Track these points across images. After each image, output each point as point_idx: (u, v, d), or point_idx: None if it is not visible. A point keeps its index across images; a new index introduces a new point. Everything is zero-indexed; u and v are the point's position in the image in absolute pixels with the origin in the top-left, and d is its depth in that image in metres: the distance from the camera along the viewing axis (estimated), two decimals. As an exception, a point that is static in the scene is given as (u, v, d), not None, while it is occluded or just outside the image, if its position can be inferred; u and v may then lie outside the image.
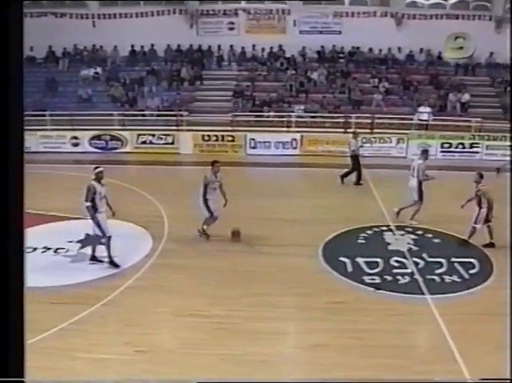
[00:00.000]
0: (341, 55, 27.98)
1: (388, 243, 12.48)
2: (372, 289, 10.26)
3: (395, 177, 18.20)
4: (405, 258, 11.71)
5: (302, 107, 24.60)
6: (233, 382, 7.46)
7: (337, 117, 23.05)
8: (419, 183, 13.82)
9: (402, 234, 13.01)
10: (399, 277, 10.80)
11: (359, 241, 12.50)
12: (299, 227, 12.67)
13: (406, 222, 13.75)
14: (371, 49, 27.64)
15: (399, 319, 9.33)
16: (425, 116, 22.71)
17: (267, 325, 8.91)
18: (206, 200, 12.18)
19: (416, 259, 11.57)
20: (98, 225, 10.76)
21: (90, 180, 10.87)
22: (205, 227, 12.38)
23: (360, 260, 11.44)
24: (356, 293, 10.23)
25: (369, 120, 22.19)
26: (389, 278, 10.76)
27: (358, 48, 27.72)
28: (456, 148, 21.20)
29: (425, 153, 14.36)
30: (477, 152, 21.62)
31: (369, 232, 13.07)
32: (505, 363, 7.65)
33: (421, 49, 27.31)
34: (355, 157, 17.62)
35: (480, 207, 12.22)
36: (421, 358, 8.32)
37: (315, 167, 19.46)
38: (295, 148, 21.66)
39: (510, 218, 11.61)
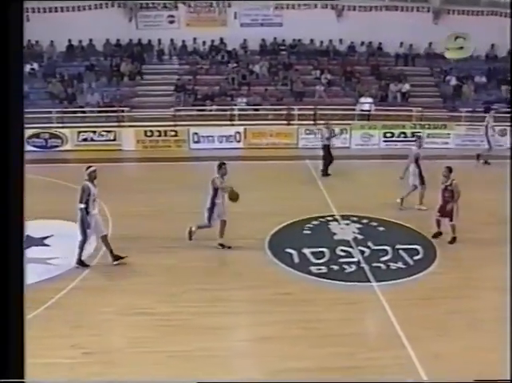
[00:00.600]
0: (283, 47, 28.12)
1: (334, 233, 12.65)
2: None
3: (340, 167, 18.50)
4: (351, 247, 11.91)
5: (245, 100, 24.61)
6: (234, 382, 7.43)
7: (280, 109, 23.18)
8: (419, 169, 14.33)
9: (347, 224, 13.20)
10: (345, 266, 10.98)
11: (305, 232, 12.61)
12: (244, 220, 12.66)
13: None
14: (312, 41, 27.89)
15: (347, 308, 9.48)
16: (367, 107, 23.12)
17: (215, 319, 8.91)
18: (213, 205, 11.54)
19: (362, 248, 11.78)
20: (84, 227, 10.55)
21: (83, 180, 10.65)
22: (194, 228, 11.87)
23: (306, 251, 11.56)
24: (304, 283, 10.34)
25: (312, 112, 22.39)
26: (336, 267, 10.92)
27: (299, 40, 27.92)
28: (398, 137, 21.66)
29: (419, 139, 15.31)
30: (418, 141, 22.16)
31: (315, 223, 13.20)
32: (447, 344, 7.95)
33: (362, 42, 27.73)
34: (326, 147, 17.73)
35: (446, 201, 12.15)
36: (369, 345, 8.48)
37: (259, 160, 19.50)
38: (239, 142, 21.68)
39: (510, 216, 11.87)
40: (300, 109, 22.85)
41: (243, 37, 27.95)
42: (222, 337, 8.52)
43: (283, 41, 28.07)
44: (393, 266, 11.12)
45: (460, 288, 10.29)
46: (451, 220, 12.15)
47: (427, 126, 22.42)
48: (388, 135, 21.67)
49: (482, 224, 13.42)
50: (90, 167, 10.86)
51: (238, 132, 21.88)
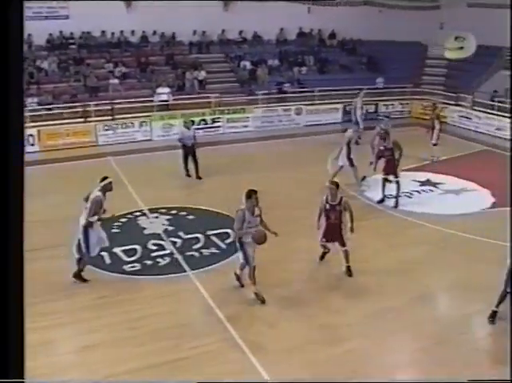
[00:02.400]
0: (72, 41, 27.06)
1: (144, 228, 12.62)
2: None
3: (143, 161, 18.45)
4: (162, 239, 11.99)
5: (36, 99, 23.30)
6: (238, 382, 7.38)
7: (75, 107, 22.35)
8: (349, 151, 15.07)
9: (156, 217, 13.24)
10: (159, 259, 11.03)
11: (113, 231, 12.35)
12: (44, 228, 12.00)
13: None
14: (103, 33, 27.21)
15: (166, 301, 9.57)
16: (165, 97, 23.17)
17: (35, 336, 8.40)
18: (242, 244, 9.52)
19: (173, 239, 11.91)
20: (88, 242, 9.95)
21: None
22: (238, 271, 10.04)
23: (117, 250, 11.38)
24: (119, 284, 10.20)
25: (109, 107, 21.94)
26: (149, 262, 10.93)
27: (89, 32, 27.05)
28: (199, 124, 22.02)
29: (356, 125, 16.31)
30: (219, 127, 22.84)
31: (123, 220, 13.02)
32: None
33: (154, 31, 27.68)
34: (192, 147, 16.72)
35: (333, 224, 10.42)
36: (193, 334, 8.65)
37: (58, 162, 18.64)
38: (33, 145, 20.46)
39: (510, 210, 12.43)
40: (96, 105, 22.22)
41: (27, 32, 26.33)
42: (44, 353, 8.05)
43: (71, 34, 26.99)
44: (206, 252, 11.43)
45: (274, 264, 10.82)
46: (344, 245, 10.38)
47: (226, 111, 23.16)
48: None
49: (294, 200, 14.34)
50: (106, 177, 10.20)
51: (31, 135, 20.61)
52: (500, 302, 8.89)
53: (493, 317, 8.94)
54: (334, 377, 7.61)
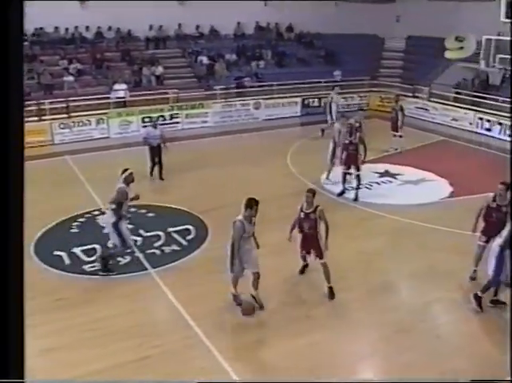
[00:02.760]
0: (24, 37, 26.48)
1: (103, 227, 12.45)
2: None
3: (101, 159, 18.26)
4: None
5: (-12, 99, 22.82)
6: (234, 382, 7.35)
7: (29, 105, 21.91)
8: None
9: (116, 215, 13.10)
10: (119, 258, 10.92)
11: (72, 231, 12.24)
12: None
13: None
14: (57, 29, 26.72)
15: (128, 300, 9.51)
16: (121, 93, 22.91)
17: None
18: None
19: (134, 237, 11.79)
20: (122, 236, 10.30)
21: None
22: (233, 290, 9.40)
23: (76, 250, 11.26)
24: (80, 285, 10.09)
25: (64, 105, 21.59)
26: (110, 261, 10.79)
27: (41, 28, 26.53)
28: (157, 121, 21.76)
29: (344, 117, 16.02)
30: (178, 122, 22.72)
31: (82, 220, 12.88)
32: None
33: (109, 27, 27.34)
34: (158, 147, 16.07)
35: (309, 235, 9.82)
36: (156, 332, 8.62)
37: (13, 162, 18.31)
38: (-14, 145, 20.12)
39: (511, 212, 12.45)
40: (51, 103, 21.83)
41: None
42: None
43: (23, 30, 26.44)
44: (167, 249, 11.40)
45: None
46: (321, 257, 9.66)
47: (184, 107, 23.06)
48: (147, 119, 21.77)
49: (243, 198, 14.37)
50: (127, 169, 10.56)
51: (-16, 136, 20.24)
52: (487, 288, 9.04)
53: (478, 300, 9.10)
54: (298, 370, 7.70)
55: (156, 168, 16.03)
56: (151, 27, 27.70)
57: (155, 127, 16.30)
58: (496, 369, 7.60)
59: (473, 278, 10.12)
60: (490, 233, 9.73)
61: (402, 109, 19.25)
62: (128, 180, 10.50)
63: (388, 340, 8.35)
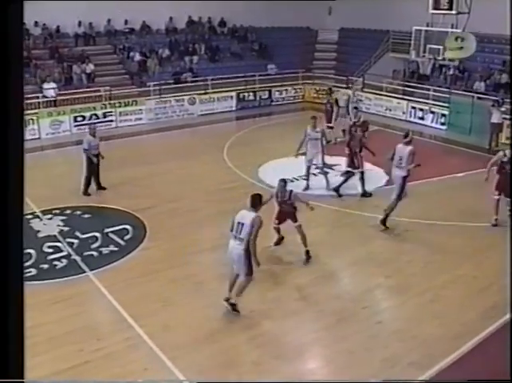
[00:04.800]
0: None
1: (38, 231, 12.15)
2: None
3: (31, 161, 17.57)
4: (58, 241, 11.61)
5: None
6: (233, 382, 7.27)
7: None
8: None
9: (50, 218, 12.80)
10: (56, 262, 10.70)
11: (5, 236, 11.88)
12: None
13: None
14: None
15: (67, 304, 9.32)
16: (51, 92, 22.35)
17: None
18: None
19: (70, 240, 11.59)
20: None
21: None
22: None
23: (9, 255, 10.91)
24: (14, 291, 9.79)
25: (-9, 106, 20.91)
26: (46, 266, 10.57)
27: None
28: (90, 119, 21.45)
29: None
30: (111, 121, 22.36)
31: (15, 224, 12.49)
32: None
33: (36, 22, 26.55)
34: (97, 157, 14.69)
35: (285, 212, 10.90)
36: (97, 336, 8.47)
37: None
38: None
39: (510, 212, 12.33)
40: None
41: None
42: None
43: None
44: (105, 250, 11.22)
45: (175, 256, 10.89)
46: (295, 220, 10.72)
47: (117, 104, 22.71)
48: (79, 119, 21.35)
49: (181, 195, 14.37)
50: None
51: None
52: None
53: None
54: (242, 364, 7.76)
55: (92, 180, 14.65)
56: (80, 23, 27.07)
57: (94, 135, 14.67)
58: (436, 352, 7.88)
59: (494, 225, 12.17)
60: (502, 186, 11.92)
61: (337, 102, 19.56)
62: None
63: (331, 328, 8.50)
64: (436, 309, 9.14)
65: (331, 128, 18.93)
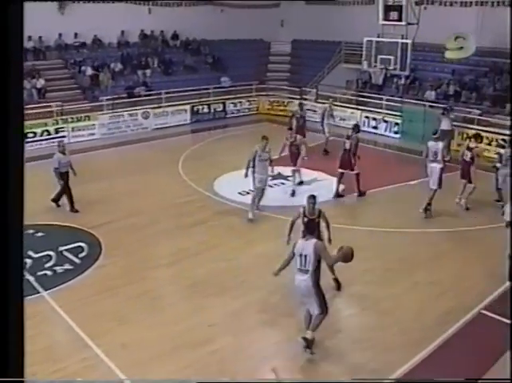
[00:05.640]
0: None
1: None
2: None
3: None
4: (10, 261, 11.33)
5: None
6: (233, 382, 7.28)
7: None
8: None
9: None
10: (8, 283, 10.41)
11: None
12: None
13: None
14: None
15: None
16: (1, 109, 21.94)
17: None
18: None
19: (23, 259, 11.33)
20: None
21: None
22: None
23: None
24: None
25: None
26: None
27: None
28: (42, 135, 21.11)
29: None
30: (64, 136, 21.86)
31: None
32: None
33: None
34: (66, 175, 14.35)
35: None
36: (55, 357, 8.31)
37: None
38: None
39: (510, 212, 12.27)
40: None
41: None
42: None
43: None
44: (60, 269, 11.01)
45: (132, 273, 10.78)
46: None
47: (70, 120, 22.36)
48: (31, 135, 20.92)
49: (137, 210, 14.25)
50: None
51: None
52: None
53: None
54: (203, 379, 7.70)
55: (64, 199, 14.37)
56: (29, 38, 26.62)
57: (63, 152, 14.25)
58: (396, 359, 7.98)
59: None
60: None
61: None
62: None
63: (292, 340, 8.50)
64: (395, 316, 9.26)
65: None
